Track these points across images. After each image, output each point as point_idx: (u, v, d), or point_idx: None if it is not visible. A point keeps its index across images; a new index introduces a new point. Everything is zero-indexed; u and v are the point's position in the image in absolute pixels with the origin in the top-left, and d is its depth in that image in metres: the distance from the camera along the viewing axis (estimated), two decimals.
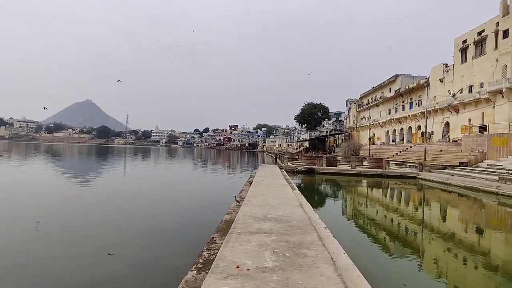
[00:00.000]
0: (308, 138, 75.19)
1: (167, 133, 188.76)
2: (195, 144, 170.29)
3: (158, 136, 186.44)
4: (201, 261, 4.35)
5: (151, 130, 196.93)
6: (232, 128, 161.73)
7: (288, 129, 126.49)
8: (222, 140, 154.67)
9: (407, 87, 42.05)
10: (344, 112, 74.17)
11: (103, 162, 35.20)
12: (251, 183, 12.00)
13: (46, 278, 5.31)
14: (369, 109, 55.31)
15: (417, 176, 21.30)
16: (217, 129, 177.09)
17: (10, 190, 14.23)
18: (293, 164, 26.54)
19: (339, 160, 28.39)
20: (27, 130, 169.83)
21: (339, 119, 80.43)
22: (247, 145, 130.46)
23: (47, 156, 41.06)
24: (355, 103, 63.46)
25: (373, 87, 54.85)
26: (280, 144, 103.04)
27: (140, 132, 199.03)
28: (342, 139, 62.69)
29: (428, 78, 37.81)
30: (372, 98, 55.43)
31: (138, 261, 6.16)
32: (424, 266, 6.13)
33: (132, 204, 11.88)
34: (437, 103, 34.23)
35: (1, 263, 5.88)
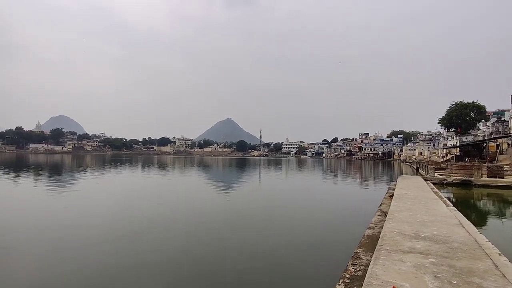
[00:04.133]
0: (458, 144, 63.62)
1: (296, 145, 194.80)
2: (324, 155, 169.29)
3: (288, 147, 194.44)
4: (347, 276, 4.23)
5: (282, 143, 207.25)
6: (363, 137, 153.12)
7: (430, 134, 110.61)
8: (352, 150, 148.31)
9: None
10: (510, 110, 59.57)
11: (243, 173, 39.20)
12: (391, 196, 11.01)
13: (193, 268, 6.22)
14: None
15: None
16: (346, 139, 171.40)
17: (178, 195, 17.45)
18: (440, 175, 22.96)
19: (507, 170, 22.85)
20: (185, 146, 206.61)
21: (502, 119, 64.98)
22: (380, 154, 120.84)
23: (200, 167, 48.81)
24: None
25: None
26: (421, 152, 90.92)
27: (272, 145, 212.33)
28: (508, 144, 50.35)
29: None
30: None
31: (281, 270, 6.49)
32: None
33: (270, 214, 12.68)
34: None
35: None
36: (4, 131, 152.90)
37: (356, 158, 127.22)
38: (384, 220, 6.71)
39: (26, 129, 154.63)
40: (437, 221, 6.29)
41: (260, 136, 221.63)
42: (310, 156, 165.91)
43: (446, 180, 19.92)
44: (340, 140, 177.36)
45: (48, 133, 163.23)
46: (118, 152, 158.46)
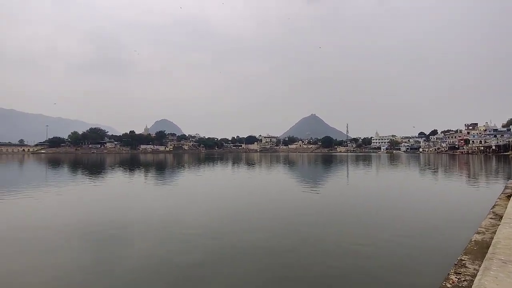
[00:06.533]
0: None
1: (387, 139, 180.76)
2: (420, 149, 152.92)
3: (379, 142, 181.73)
4: (448, 286, 3.79)
5: (371, 137, 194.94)
6: (470, 127, 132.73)
7: None
8: (457, 143, 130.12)
9: None
10: None
11: (329, 169, 38.21)
12: (509, 196, 9.35)
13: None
14: None
15: None
16: (448, 131, 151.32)
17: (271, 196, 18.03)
18: None
19: None
20: (270, 144, 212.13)
21: None
22: (493, 147, 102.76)
23: (285, 164, 49.45)
24: None
25: None
26: None
27: (360, 140, 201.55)
28: None
29: None
30: None
31: (369, 272, 6.15)
32: None
33: (359, 212, 12.08)
34: None
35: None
36: (121, 135, 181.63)
37: (462, 152, 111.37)
38: (498, 224, 5.76)
39: (137, 132, 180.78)
40: None
41: (347, 131, 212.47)
42: (404, 151, 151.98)
43: None
44: (441, 132, 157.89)
45: (154, 135, 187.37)
46: (210, 151, 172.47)
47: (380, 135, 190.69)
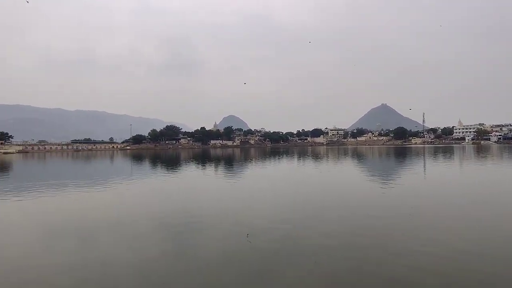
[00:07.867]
0: None
1: (473, 128, 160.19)
2: None
3: (462, 132, 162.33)
4: None
5: (453, 127, 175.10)
6: None
7: None
8: None
9: None
10: None
11: (402, 163, 35.59)
12: None
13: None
14: None
15: None
16: None
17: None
18: None
19: None
20: (337, 136, 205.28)
21: None
22: None
23: (353, 157, 47.52)
24: None
25: None
26: None
27: (439, 130, 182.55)
28: None
29: None
30: None
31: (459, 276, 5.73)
32: None
33: (443, 215, 11.16)
34: None
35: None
36: (193, 131, 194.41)
37: None
38: None
39: (207, 128, 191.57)
40: None
41: (423, 121, 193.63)
42: (495, 141, 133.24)
43: None
44: None
45: (222, 131, 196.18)
46: (276, 145, 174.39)
47: (463, 124, 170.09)
